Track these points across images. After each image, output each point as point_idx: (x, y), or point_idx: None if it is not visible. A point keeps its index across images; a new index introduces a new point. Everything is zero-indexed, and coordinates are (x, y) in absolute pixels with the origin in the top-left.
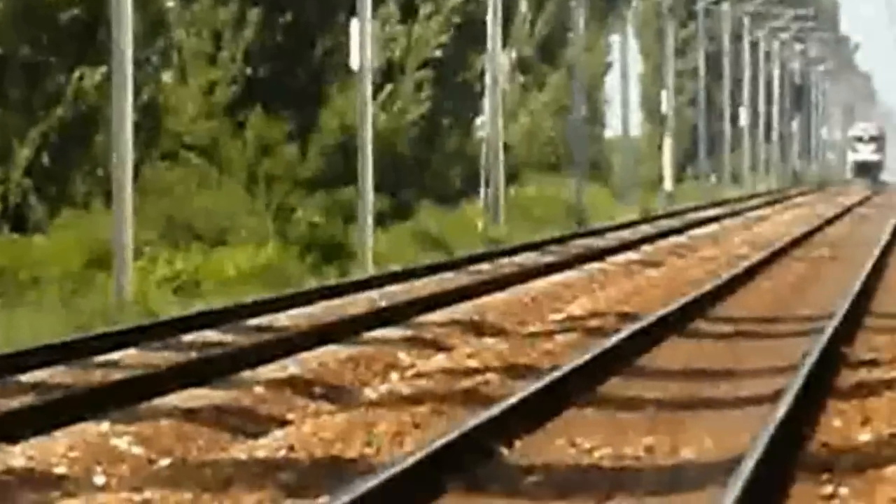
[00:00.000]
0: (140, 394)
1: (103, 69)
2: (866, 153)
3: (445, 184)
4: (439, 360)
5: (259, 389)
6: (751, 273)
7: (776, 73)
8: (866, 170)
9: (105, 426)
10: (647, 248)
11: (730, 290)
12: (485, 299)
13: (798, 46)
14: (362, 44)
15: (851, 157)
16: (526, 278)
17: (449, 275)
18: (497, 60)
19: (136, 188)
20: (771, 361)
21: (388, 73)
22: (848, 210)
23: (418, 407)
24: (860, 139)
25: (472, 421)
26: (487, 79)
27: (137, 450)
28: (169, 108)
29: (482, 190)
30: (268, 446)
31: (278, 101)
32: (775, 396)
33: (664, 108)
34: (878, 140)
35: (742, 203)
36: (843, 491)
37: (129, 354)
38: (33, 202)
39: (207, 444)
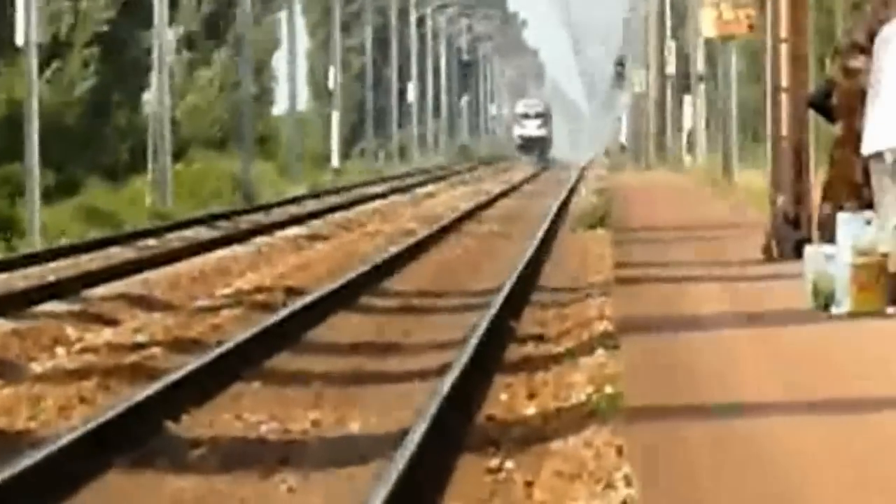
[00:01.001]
0: None
1: None
2: (532, 129)
3: (113, 159)
4: (106, 334)
5: None
6: (419, 248)
7: (443, 49)
8: (533, 146)
9: None
10: (315, 223)
11: (398, 265)
12: (153, 273)
13: (465, 22)
14: (28, 19)
15: (517, 133)
16: (194, 253)
17: (116, 249)
18: (163, 37)
19: None
20: (439, 335)
21: (55, 48)
22: (516, 186)
23: (85, 381)
24: (526, 115)
25: (139, 395)
26: (154, 55)
27: None
28: None
29: (150, 165)
30: None
31: None
32: (443, 370)
33: (331, 84)
34: (543, 116)
35: (410, 179)
36: (509, 464)
37: None
38: None
39: None
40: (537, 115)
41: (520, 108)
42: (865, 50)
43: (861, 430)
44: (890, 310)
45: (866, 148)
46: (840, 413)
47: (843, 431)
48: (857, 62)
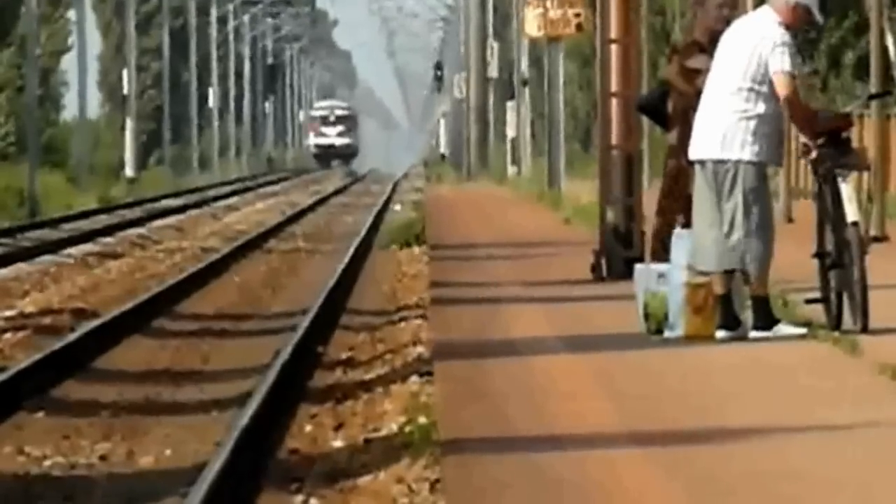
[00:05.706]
0: None
1: None
2: (333, 136)
3: None
4: None
5: None
6: (219, 267)
7: (247, 50)
8: (333, 155)
9: None
10: (106, 239)
11: (196, 285)
12: None
13: (270, 22)
14: None
15: (314, 141)
16: None
17: None
18: None
19: None
20: (240, 362)
21: None
22: (325, 199)
23: None
24: (325, 120)
25: None
26: None
27: None
28: None
29: None
30: None
31: None
32: (243, 399)
33: (125, 88)
34: (347, 120)
35: (211, 191)
36: (314, 502)
37: None
38: None
39: None
40: (339, 120)
41: (317, 110)
42: (705, 49)
43: (688, 462)
44: (719, 334)
45: (690, 154)
46: (671, 445)
47: (672, 466)
48: (697, 62)
